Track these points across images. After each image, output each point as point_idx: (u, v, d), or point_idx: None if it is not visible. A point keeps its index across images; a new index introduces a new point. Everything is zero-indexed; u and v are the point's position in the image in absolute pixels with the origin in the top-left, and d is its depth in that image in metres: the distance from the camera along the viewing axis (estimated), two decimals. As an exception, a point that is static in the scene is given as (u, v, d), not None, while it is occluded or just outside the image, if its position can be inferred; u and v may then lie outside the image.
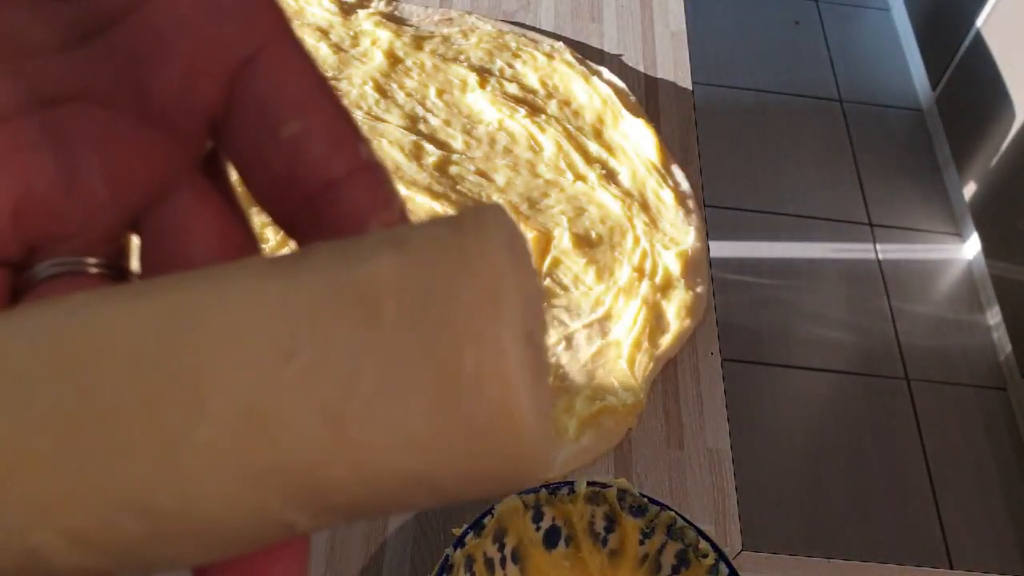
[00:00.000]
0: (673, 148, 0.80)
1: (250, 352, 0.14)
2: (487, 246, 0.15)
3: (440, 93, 0.80)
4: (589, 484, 0.55)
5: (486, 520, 0.53)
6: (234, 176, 0.19)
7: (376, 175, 0.18)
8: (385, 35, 0.83)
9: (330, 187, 0.18)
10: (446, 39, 0.85)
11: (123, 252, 0.20)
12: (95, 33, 0.18)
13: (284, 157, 0.17)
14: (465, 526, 0.53)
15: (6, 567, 0.15)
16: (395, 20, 0.86)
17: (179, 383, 0.14)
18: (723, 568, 0.53)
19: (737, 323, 1.69)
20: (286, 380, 0.14)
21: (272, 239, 0.67)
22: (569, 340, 0.66)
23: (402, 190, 0.72)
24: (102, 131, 0.18)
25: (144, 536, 0.15)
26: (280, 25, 0.18)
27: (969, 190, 1.86)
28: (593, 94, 0.81)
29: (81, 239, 0.19)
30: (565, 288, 0.69)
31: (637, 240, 0.72)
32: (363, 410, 0.14)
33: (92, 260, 0.19)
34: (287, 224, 0.18)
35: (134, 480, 0.14)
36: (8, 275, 0.18)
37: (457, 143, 0.77)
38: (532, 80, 0.82)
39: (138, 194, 0.19)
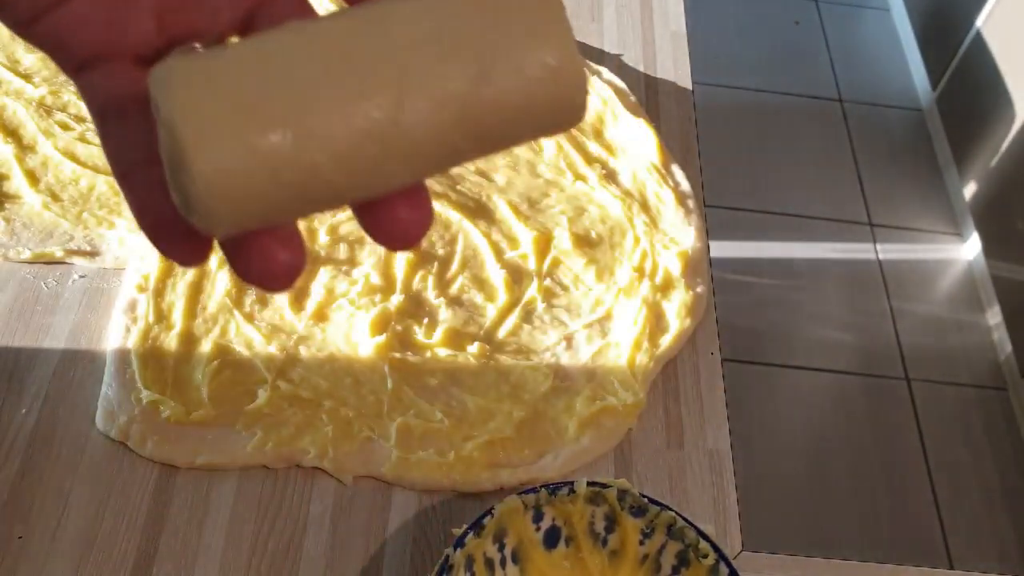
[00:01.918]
0: (673, 148, 0.80)
1: (419, 36, 0.23)
2: None
3: (440, 93, 0.80)
4: (589, 484, 0.55)
5: (486, 520, 0.53)
6: None
7: None
8: (385, 35, 0.83)
9: None
10: (446, 39, 0.85)
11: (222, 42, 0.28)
12: None
13: None
14: (465, 526, 0.53)
15: (293, 180, 0.23)
16: (395, 20, 0.86)
17: (387, 59, 0.23)
18: (723, 568, 0.53)
19: (737, 323, 1.69)
20: (445, 52, 0.23)
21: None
22: (569, 340, 0.66)
23: (402, 190, 0.72)
24: None
25: (377, 155, 0.23)
26: None
27: (969, 190, 1.86)
28: (593, 94, 0.81)
29: (209, 35, 0.26)
30: (565, 288, 0.69)
31: (637, 240, 0.72)
32: (494, 68, 0.23)
33: (198, 46, 0.26)
34: None
35: (373, 117, 0.23)
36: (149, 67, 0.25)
37: (457, 143, 0.77)
38: (532, 80, 0.82)
39: None
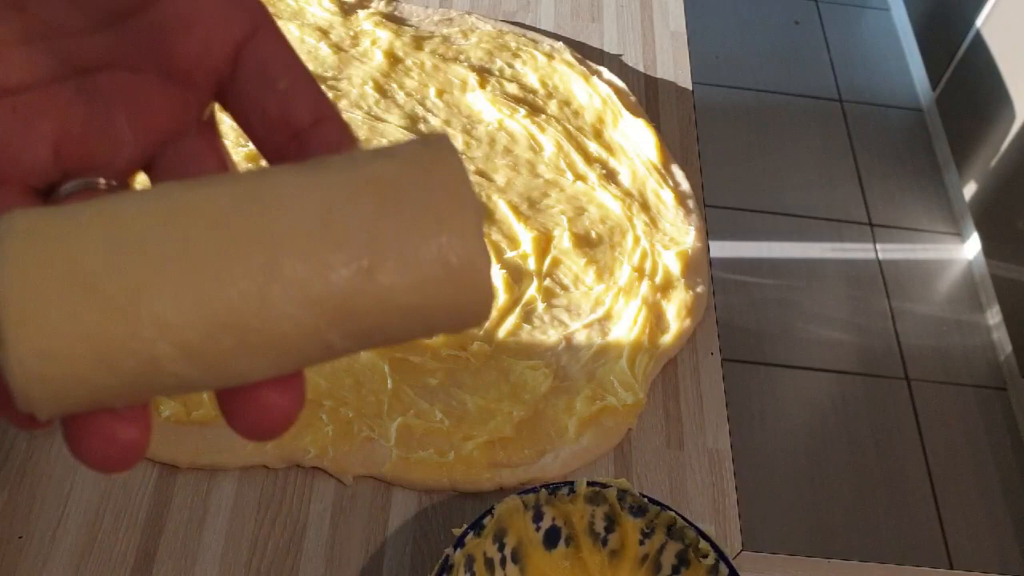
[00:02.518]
0: (673, 148, 0.80)
1: (302, 218, 0.21)
2: (450, 158, 0.22)
3: (440, 93, 0.80)
4: (589, 484, 0.55)
5: (486, 520, 0.53)
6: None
7: (342, 120, 0.25)
8: (385, 35, 0.83)
9: (314, 125, 0.24)
10: (446, 39, 0.85)
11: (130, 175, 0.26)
12: (123, 17, 0.24)
13: (278, 104, 0.24)
14: (465, 526, 0.53)
15: (128, 369, 0.20)
16: (395, 20, 0.86)
17: (258, 241, 0.20)
18: (723, 568, 0.53)
19: (737, 323, 1.69)
20: (330, 239, 0.21)
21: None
22: (569, 340, 0.66)
23: (402, 190, 0.72)
24: (128, 89, 0.24)
25: (234, 348, 0.20)
26: (266, 11, 0.25)
27: (969, 190, 1.86)
28: (593, 94, 0.81)
29: (109, 169, 0.24)
30: (565, 288, 0.69)
31: (637, 240, 0.72)
32: (383, 262, 0.21)
33: (103, 180, 0.24)
34: (277, 156, 0.25)
35: (232, 307, 0.20)
36: (40, 198, 0.24)
37: (457, 143, 0.77)
38: (532, 80, 0.82)
39: (157, 134, 0.25)
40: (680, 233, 0.73)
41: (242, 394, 0.22)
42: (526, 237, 0.71)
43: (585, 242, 0.72)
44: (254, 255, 0.20)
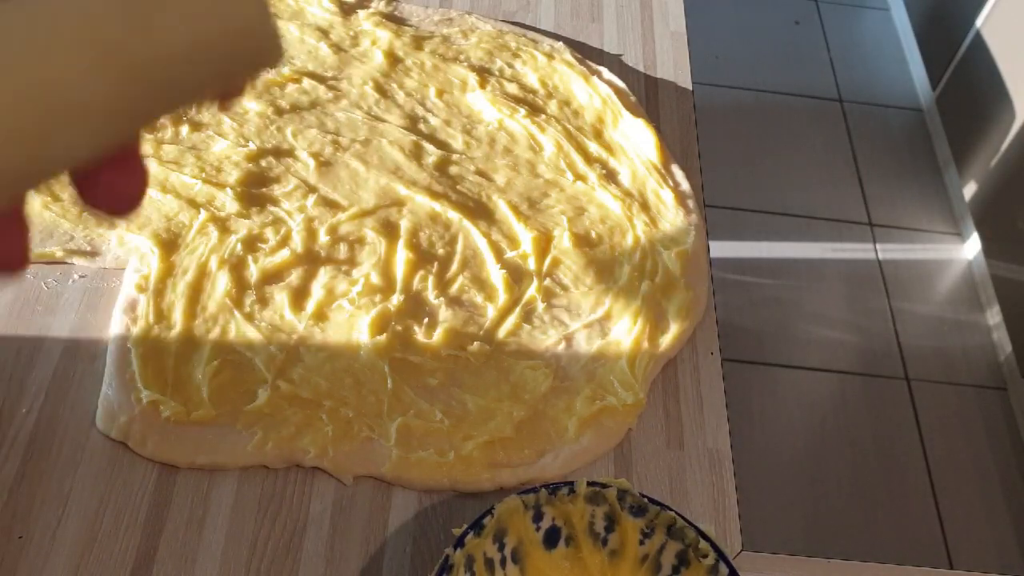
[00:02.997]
0: (673, 148, 0.80)
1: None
2: None
3: (440, 93, 0.80)
4: (589, 484, 0.55)
5: (486, 520, 0.53)
6: None
7: None
8: (385, 35, 0.83)
9: None
10: (446, 39, 0.85)
11: None
12: None
13: None
14: (465, 526, 0.53)
15: None
16: (395, 20, 0.86)
17: (38, 28, 0.22)
18: (723, 568, 0.53)
19: (737, 323, 1.69)
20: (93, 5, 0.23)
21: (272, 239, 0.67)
22: (569, 340, 0.66)
23: (402, 190, 0.72)
24: None
25: (41, 120, 0.22)
26: None
27: (969, 190, 1.86)
28: (593, 94, 0.81)
29: None
30: (565, 288, 0.69)
31: (637, 240, 0.72)
32: (155, 10, 0.23)
33: None
34: None
35: (24, 83, 0.22)
36: None
37: (457, 143, 0.77)
38: (532, 80, 0.82)
39: None
40: (680, 233, 0.73)
41: (90, 176, 0.25)
42: (526, 237, 0.71)
43: (585, 242, 0.72)
44: (33, 39, 0.22)
